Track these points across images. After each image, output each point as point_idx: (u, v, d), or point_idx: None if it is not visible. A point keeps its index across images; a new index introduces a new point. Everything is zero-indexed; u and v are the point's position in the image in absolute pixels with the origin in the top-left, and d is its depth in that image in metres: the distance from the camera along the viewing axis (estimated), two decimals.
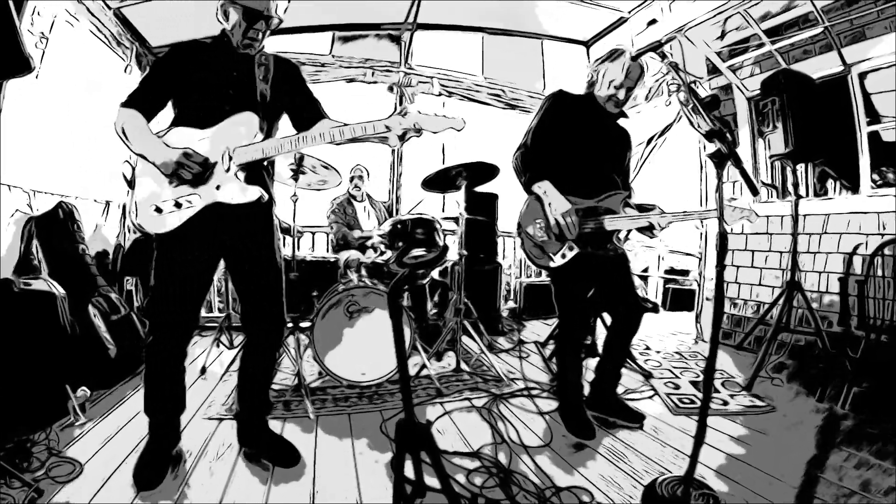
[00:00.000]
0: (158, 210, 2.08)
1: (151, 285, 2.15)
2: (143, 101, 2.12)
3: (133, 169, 2.13)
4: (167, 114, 2.21)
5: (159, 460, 2.18)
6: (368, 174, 5.00)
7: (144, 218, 2.08)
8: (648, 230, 2.64)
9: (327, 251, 4.86)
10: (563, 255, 2.60)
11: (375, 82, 5.85)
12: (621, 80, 2.64)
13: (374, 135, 2.06)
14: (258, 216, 2.23)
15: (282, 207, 3.76)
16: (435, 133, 2.10)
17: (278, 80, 2.28)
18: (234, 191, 2.10)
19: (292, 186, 3.46)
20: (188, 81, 2.15)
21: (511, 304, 6.55)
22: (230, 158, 2.10)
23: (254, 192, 2.11)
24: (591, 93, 2.76)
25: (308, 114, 2.31)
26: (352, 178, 4.88)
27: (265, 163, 2.26)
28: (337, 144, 2.10)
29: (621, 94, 2.66)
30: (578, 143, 2.67)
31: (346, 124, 2.07)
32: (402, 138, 2.08)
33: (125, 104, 2.10)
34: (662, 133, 5.74)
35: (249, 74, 2.22)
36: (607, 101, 2.70)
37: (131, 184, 2.13)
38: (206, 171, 2.08)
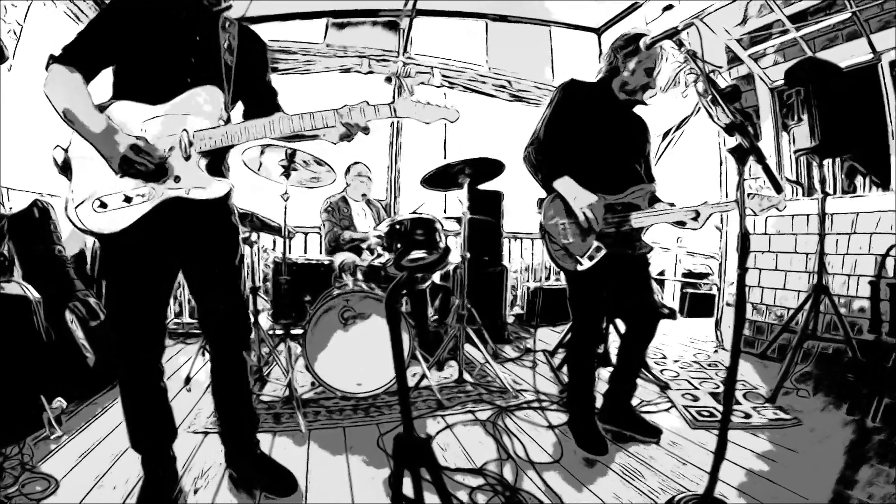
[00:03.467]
0: (103, 205, 1.85)
1: (104, 299, 2.07)
2: (83, 58, 1.87)
3: (66, 151, 1.88)
4: (101, 83, 1.97)
5: (159, 500, 2.06)
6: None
7: (86, 214, 1.84)
8: (681, 222, 2.64)
9: (321, 253, 4.85)
10: (591, 257, 2.59)
11: (372, 72, 5.85)
12: (640, 68, 2.63)
13: (318, 130, 2.01)
14: (218, 212, 2.10)
15: (272, 206, 3.80)
16: (427, 124, 2.06)
17: (244, 55, 2.14)
18: (196, 184, 1.95)
19: (283, 184, 3.46)
20: (140, 39, 1.91)
21: (517, 309, 6.54)
22: (190, 143, 1.93)
23: (220, 187, 1.99)
24: (605, 81, 2.75)
25: (267, 104, 2.20)
26: (353, 176, 4.84)
27: (227, 151, 2.15)
28: (281, 139, 2.04)
29: (639, 82, 2.65)
30: (597, 135, 2.67)
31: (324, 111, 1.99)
32: (346, 137, 2.04)
33: (59, 59, 1.84)
34: (679, 127, 5.74)
35: (213, 41, 2.05)
36: (623, 89, 2.69)
37: (66, 171, 1.87)
38: (160, 168, 1.89)
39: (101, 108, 1.87)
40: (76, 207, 1.84)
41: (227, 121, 2.06)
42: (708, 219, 2.59)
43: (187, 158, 1.94)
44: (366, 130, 2.03)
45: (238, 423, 2.28)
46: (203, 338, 4.17)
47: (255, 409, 2.34)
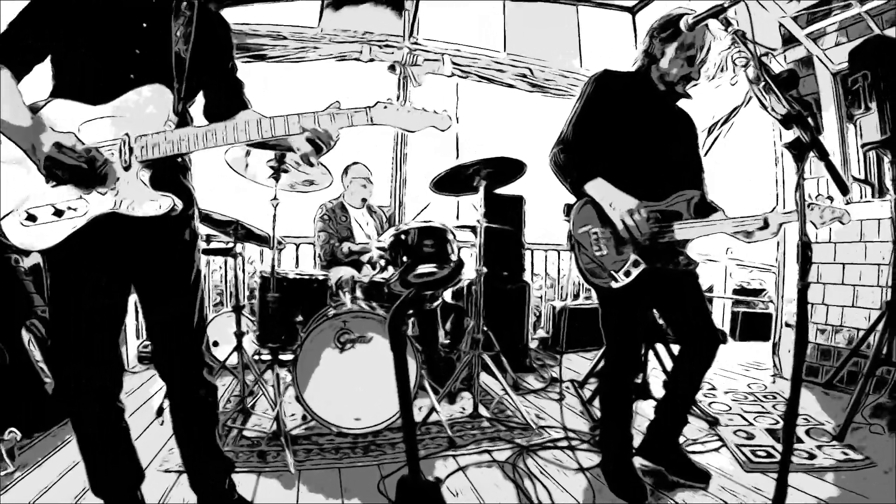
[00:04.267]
0: (31, 218, 1.83)
1: (49, 323, 2.05)
2: (11, 52, 1.86)
3: None
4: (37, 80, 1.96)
5: None
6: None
7: (12, 228, 1.82)
8: (744, 233, 2.60)
9: (315, 267, 4.87)
10: (628, 273, 2.56)
11: (373, 60, 5.90)
12: (681, 55, 2.62)
13: (278, 138, 1.99)
14: (172, 230, 2.09)
15: (260, 213, 3.81)
16: (412, 132, 2.03)
17: (202, 42, 2.10)
18: (135, 198, 1.92)
19: (272, 188, 3.48)
20: (75, 29, 1.90)
21: (542, 333, 6.52)
22: (130, 151, 1.91)
23: (162, 204, 1.93)
24: (643, 70, 2.74)
25: (229, 100, 2.19)
26: (352, 178, 4.85)
27: (180, 158, 2.13)
28: (257, 145, 2.04)
29: (681, 72, 2.64)
30: (634, 133, 2.65)
31: (301, 114, 1.95)
32: (315, 149, 1.98)
33: None
34: (727, 119, 5.72)
35: (164, 28, 2.02)
36: (663, 79, 2.68)
37: None
38: (95, 172, 1.87)
39: (35, 108, 1.87)
40: (2, 219, 1.83)
41: (182, 124, 2.05)
42: (779, 228, 2.52)
43: (127, 168, 1.92)
44: (327, 144, 1.99)
45: (201, 468, 2.27)
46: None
47: (221, 452, 2.29)
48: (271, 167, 3.43)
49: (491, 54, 6.28)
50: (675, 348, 2.81)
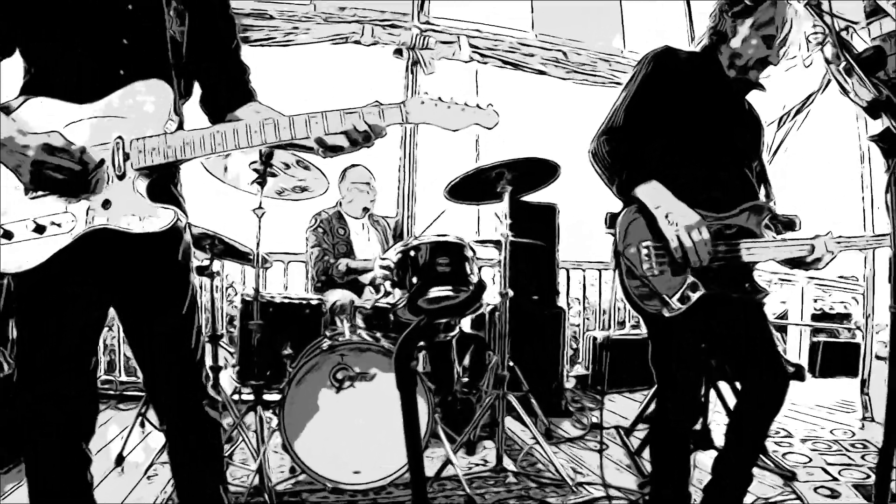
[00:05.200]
0: (7, 235, 1.83)
1: (14, 351, 2.07)
2: None
3: None
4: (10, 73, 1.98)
5: None
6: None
7: None
8: (803, 262, 2.58)
9: (306, 289, 4.89)
10: (685, 298, 2.52)
11: (377, 43, 5.94)
12: (756, 34, 2.59)
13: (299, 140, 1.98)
14: (162, 248, 2.08)
15: (242, 224, 3.83)
16: (454, 131, 2.05)
17: (199, 20, 2.13)
18: (132, 211, 1.91)
19: (256, 194, 3.50)
20: (50, 16, 1.92)
21: (580, 369, 6.48)
22: (126, 157, 1.90)
23: (164, 217, 1.93)
24: (710, 51, 2.72)
25: (233, 89, 2.22)
26: (351, 184, 4.87)
27: (177, 165, 2.12)
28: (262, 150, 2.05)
29: (755, 55, 2.61)
30: (698, 126, 2.63)
31: (322, 113, 1.95)
32: (330, 147, 2.00)
33: None
34: (801, 108, 5.69)
35: (154, 8, 2.04)
36: (733, 64, 2.66)
37: None
38: (86, 177, 1.87)
39: (7, 109, 1.89)
40: None
41: (180, 125, 2.06)
42: (831, 260, 2.51)
43: (122, 177, 1.91)
44: (367, 138, 2.00)
45: None
46: (143, 403, 4.19)
47: None
48: (255, 170, 3.45)
49: (517, 35, 6.32)
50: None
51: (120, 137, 1.90)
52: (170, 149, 1.92)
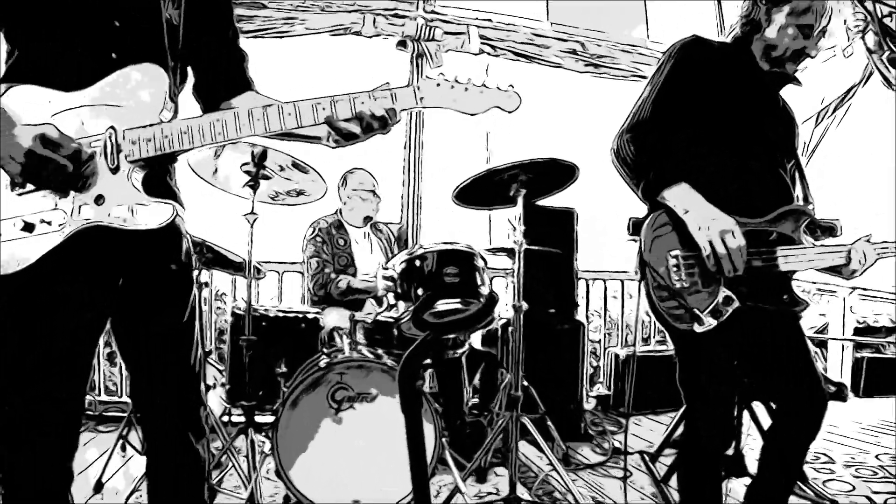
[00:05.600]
0: None
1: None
2: None
3: None
4: None
5: None
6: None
7: None
8: (843, 270, 2.57)
9: (303, 302, 4.88)
10: (718, 313, 2.50)
11: (379, 35, 5.96)
12: (792, 23, 2.58)
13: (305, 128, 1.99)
14: (162, 247, 2.10)
15: (233, 231, 3.83)
16: (472, 115, 2.06)
17: (194, 3, 2.15)
18: (127, 206, 1.92)
19: (248, 199, 3.50)
20: None
21: (600, 389, 6.47)
22: (119, 149, 1.91)
23: (162, 212, 1.95)
24: (742, 41, 2.71)
25: (230, 77, 2.24)
26: (353, 189, 4.86)
27: (174, 157, 2.14)
28: (271, 136, 2.05)
29: (796, 45, 2.59)
30: (731, 122, 2.62)
31: (331, 99, 1.96)
32: (345, 135, 1.99)
33: None
34: (841, 103, 5.68)
35: None
36: (767, 56, 2.64)
37: None
38: (80, 172, 1.87)
39: None
40: None
41: (175, 113, 2.07)
42: (869, 266, 2.50)
43: (115, 170, 1.91)
44: (384, 124, 2.01)
45: None
46: (124, 425, 4.19)
47: None
48: (247, 172, 3.45)
49: (530, 25, 6.32)
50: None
51: (112, 127, 1.90)
52: (166, 139, 1.92)
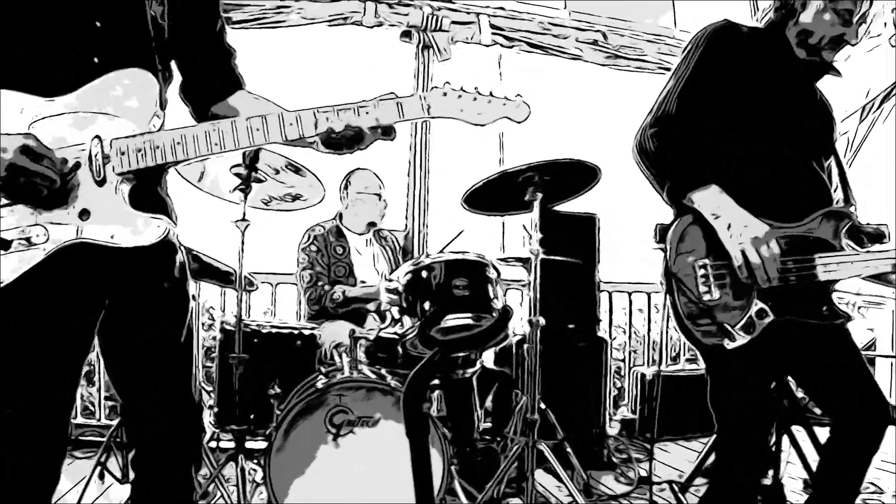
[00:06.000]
0: None
1: None
2: None
3: None
4: None
5: None
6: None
7: None
8: (891, 275, 2.56)
9: (298, 316, 4.89)
10: (750, 327, 2.49)
11: (381, 24, 5.96)
12: (830, 7, 2.58)
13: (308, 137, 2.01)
14: (154, 265, 2.11)
15: (222, 238, 3.83)
16: (481, 126, 2.08)
17: None
18: (115, 222, 1.91)
19: (239, 204, 3.51)
20: None
21: (624, 412, 6.46)
22: (106, 160, 1.90)
23: (153, 228, 1.95)
24: (776, 27, 2.71)
25: (219, 76, 2.25)
26: (355, 193, 4.85)
27: (165, 168, 2.14)
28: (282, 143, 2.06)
29: (834, 31, 2.58)
30: (764, 116, 2.62)
31: (335, 108, 1.98)
32: (337, 143, 2.02)
33: None
34: (888, 95, 5.66)
35: None
36: (803, 42, 2.64)
37: None
38: (65, 186, 1.88)
39: None
40: None
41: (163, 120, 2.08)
42: None
43: (101, 183, 1.90)
44: (388, 133, 2.05)
45: None
46: (102, 450, 4.18)
47: None
48: (237, 175, 3.45)
49: (547, 13, 6.32)
50: (823, 433, 2.75)
51: (98, 137, 1.90)
52: (158, 149, 1.92)
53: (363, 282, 4.57)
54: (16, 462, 2.01)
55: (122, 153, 1.90)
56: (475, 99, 2.04)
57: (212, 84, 2.22)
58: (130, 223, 1.92)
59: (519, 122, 2.09)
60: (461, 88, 2.04)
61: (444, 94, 2.02)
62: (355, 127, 1.98)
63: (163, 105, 2.05)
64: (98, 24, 1.99)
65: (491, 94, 2.05)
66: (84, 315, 2.04)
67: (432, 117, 2.05)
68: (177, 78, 2.27)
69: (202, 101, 2.22)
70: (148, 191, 2.05)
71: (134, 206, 1.93)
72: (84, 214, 1.89)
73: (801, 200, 2.58)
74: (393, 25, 5.95)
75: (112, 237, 1.89)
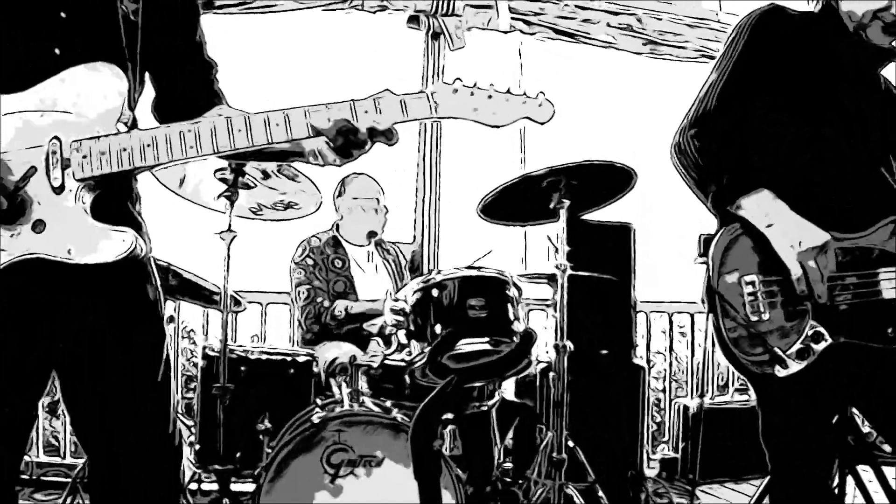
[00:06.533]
0: None
1: None
2: None
3: None
4: None
5: None
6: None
7: None
8: None
9: (291, 342, 4.89)
10: (805, 352, 2.47)
11: (385, 9, 5.95)
12: None
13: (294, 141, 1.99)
14: (128, 285, 2.09)
15: (204, 252, 3.83)
16: (496, 127, 2.06)
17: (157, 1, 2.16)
18: (74, 235, 1.89)
19: (224, 213, 3.52)
20: None
21: (665, 450, 6.44)
22: (65, 164, 1.89)
23: (116, 243, 1.92)
24: (830, 11, 2.70)
25: (198, 91, 2.24)
26: (352, 199, 4.86)
27: (133, 176, 2.13)
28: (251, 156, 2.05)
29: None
30: (819, 112, 2.61)
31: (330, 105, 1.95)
32: (346, 148, 1.98)
33: None
34: None
35: None
36: (860, 25, 2.63)
37: None
38: (13, 199, 1.87)
39: None
40: None
41: (133, 124, 2.07)
42: None
43: (59, 190, 1.89)
44: (389, 136, 2.01)
45: None
46: (68, 492, 4.19)
47: None
48: (222, 180, 3.46)
49: None
50: (893, 472, 2.74)
51: (56, 138, 1.88)
52: (125, 153, 1.90)
53: (372, 300, 4.55)
54: (13, 461, 2.07)
55: (85, 157, 1.88)
56: (490, 97, 2.01)
57: (189, 99, 2.19)
58: (92, 237, 1.90)
59: (541, 124, 2.06)
60: (474, 84, 2.01)
61: (455, 91, 1.99)
62: (351, 128, 1.95)
63: (132, 106, 2.05)
64: (63, 14, 1.99)
65: (509, 92, 2.02)
66: (38, 345, 2.02)
67: (440, 117, 2.03)
68: (149, 92, 2.27)
69: (176, 117, 2.20)
70: (115, 206, 2.03)
71: (98, 219, 1.91)
72: (38, 226, 1.88)
73: (860, 203, 2.56)
74: (398, 10, 5.92)
75: (70, 252, 1.87)
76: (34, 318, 1.97)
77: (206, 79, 2.28)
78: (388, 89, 1.98)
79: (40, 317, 1.98)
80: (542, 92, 2.07)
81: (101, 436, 2.12)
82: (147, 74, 2.20)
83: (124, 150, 1.90)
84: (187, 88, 2.23)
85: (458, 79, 2.01)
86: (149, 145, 1.91)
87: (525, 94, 2.05)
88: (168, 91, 2.25)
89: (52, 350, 2.03)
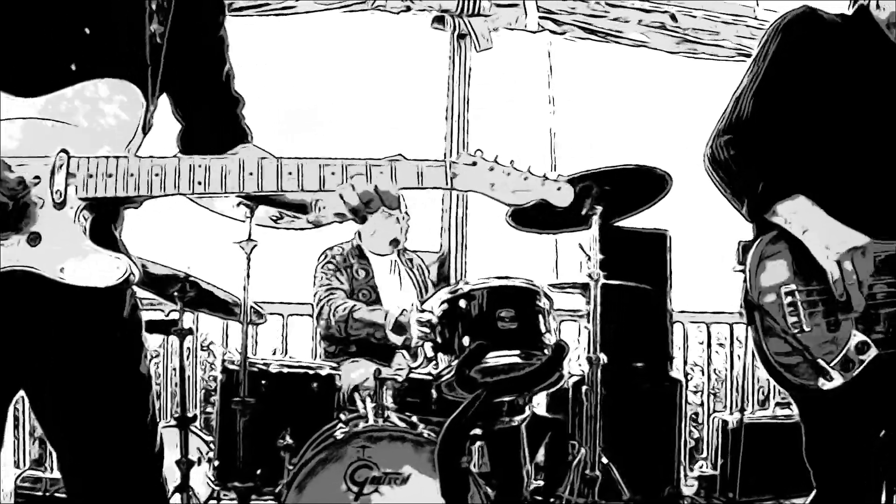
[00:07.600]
0: None
1: None
2: None
3: None
4: None
5: None
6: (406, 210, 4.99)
7: None
8: None
9: (314, 355, 4.90)
10: (849, 364, 2.45)
11: (409, 10, 5.95)
12: None
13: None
14: (110, 310, 2.05)
15: (223, 262, 3.84)
16: (511, 206, 2.09)
17: (184, 22, 2.15)
18: (69, 254, 1.86)
19: (244, 221, 3.53)
20: None
21: (704, 467, 6.41)
22: (69, 180, 1.86)
23: (112, 269, 1.90)
24: (866, 13, 2.71)
25: (223, 125, 2.24)
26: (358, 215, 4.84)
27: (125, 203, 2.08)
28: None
29: None
30: (857, 117, 2.61)
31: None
32: (363, 215, 1.96)
33: None
34: None
35: None
36: None
37: None
38: (14, 206, 1.84)
39: None
40: None
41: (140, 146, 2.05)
42: None
43: (60, 205, 1.87)
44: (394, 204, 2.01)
45: None
46: None
47: None
48: None
49: None
50: None
51: (65, 151, 1.86)
52: (132, 178, 1.88)
53: (398, 310, 4.53)
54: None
55: (91, 175, 1.86)
56: (509, 174, 2.00)
57: (214, 135, 2.18)
58: (87, 259, 1.88)
59: (559, 209, 2.06)
60: (494, 160, 2.01)
61: (474, 164, 1.99)
62: (373, 198, 1.94)
63: (146, 129, 2.04)
64: (87, 30, 1.99)
65: (529, 171, 2.01)
66: (9, 357, 1.99)
67: (454, 189, 2.03)
68: (172, 122, 2.28)
69: (202, 153, 2.20)
70: (101, 228, 2.00)
71: (96, 241, 1.90)
72: (34, 239, 1.86)
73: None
74: (423, 10, 5.92)
75: (62, 272, 1.85)
76: (10, 329, 1.93)
77: (231, 114, 2.28)
78: (401, 154, 1.96)
79: (16, 329, 1.94)
80: (561, 175, 2.07)
81: (70, 456, 2.11)
82: (170, 103, 2.20)
83: (131, 175, 1.88)
84: (212, 123, 2.23)
85: (479, 150, 2.01)
86: (157, 175, 1.89)
87: (545, 175, 2.04)
88: (192, 127, 2.24)
89: (23, 365, 2.01)
